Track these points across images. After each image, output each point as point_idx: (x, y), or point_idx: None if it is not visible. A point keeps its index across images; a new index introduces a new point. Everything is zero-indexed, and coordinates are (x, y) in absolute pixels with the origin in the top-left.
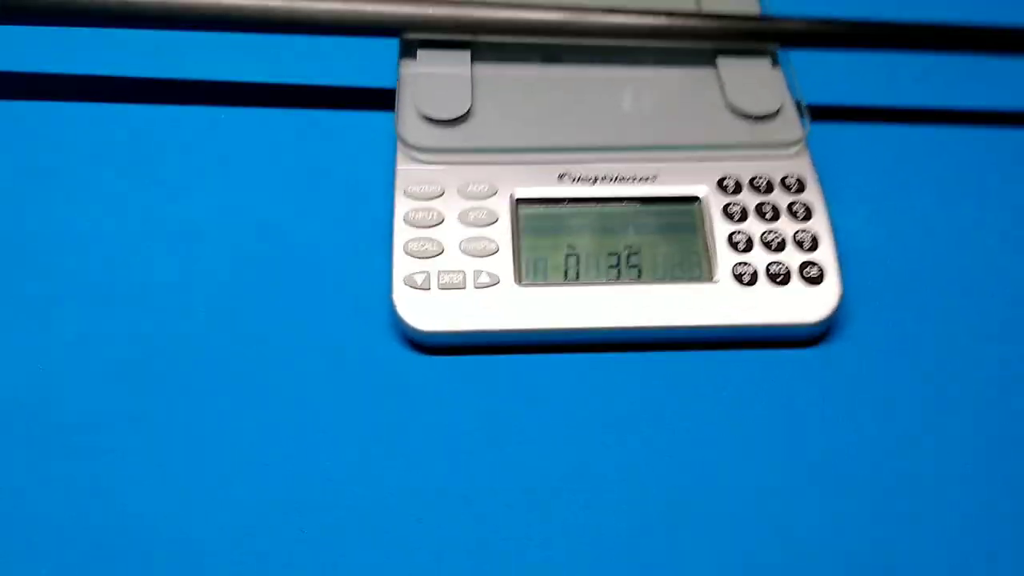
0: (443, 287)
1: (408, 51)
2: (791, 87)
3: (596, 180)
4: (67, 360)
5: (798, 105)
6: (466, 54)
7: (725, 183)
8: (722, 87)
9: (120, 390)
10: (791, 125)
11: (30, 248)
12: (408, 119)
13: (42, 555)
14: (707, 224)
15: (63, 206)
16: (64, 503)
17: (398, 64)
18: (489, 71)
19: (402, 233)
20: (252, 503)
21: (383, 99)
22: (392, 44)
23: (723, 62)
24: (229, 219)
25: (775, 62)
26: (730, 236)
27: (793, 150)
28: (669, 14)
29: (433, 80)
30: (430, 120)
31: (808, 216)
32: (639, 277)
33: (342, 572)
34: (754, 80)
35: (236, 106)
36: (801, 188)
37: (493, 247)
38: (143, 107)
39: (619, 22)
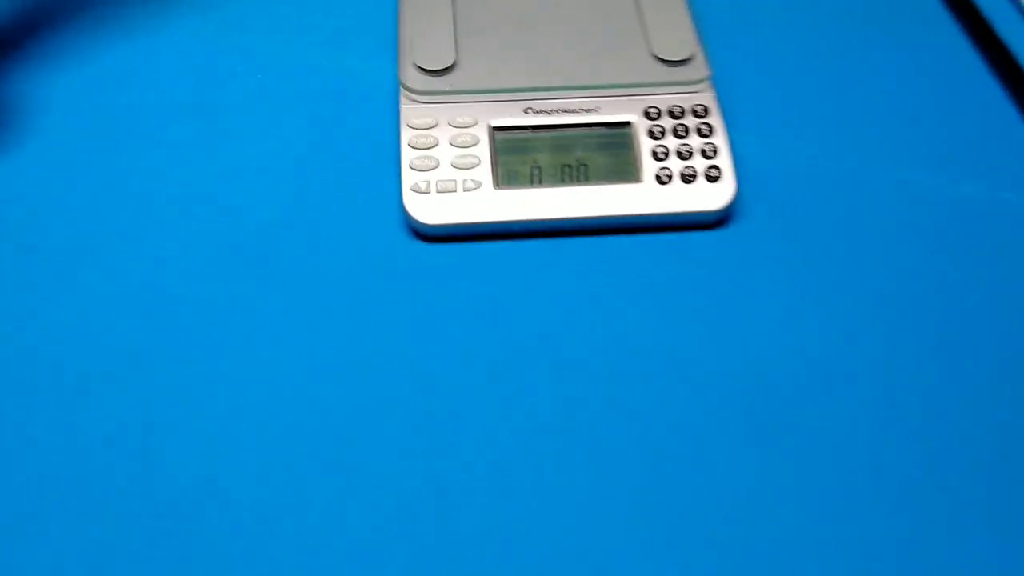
0: (440, 191)
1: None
2: (700, 38)
3: (552, 112)
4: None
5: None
6: (450, 21)
7: (649, 111)
8: (648, 39)
9: (200, 269)
10: (699, 67)
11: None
12: (408, 69)
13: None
14: (636, 141)
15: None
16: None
17: (398, 24)
18: (469, 29)
19: (408, 154)
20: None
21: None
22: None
23: (650, 21)
24: (276, 149)
25: (691, 18)
26: (653, 150)
27: (700, 86)
28: None
29: (426, 39)
30: (424, 70)
31: (710, 134)
32: (586, 180)
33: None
34: (672, 33)
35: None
36: (706, 113)
37: (476, 162)
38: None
39: None
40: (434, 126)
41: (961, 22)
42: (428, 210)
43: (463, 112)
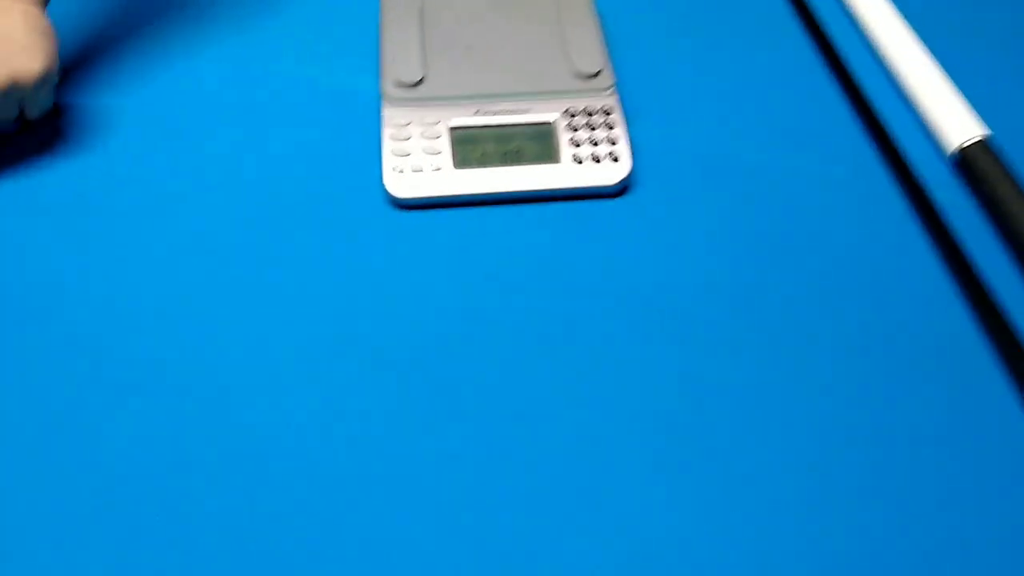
0: (412, 172)
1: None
2: (609, 55)
3: (496, 113)
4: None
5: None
6: (419, 46)
7: (568, 111)
8: (568, 58)
9: (193, 240)
10: (606, 78)
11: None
12: (388, 84)
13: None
14: (557, 134)
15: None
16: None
17: (379, 49)
18: (433, 52)
19: (388, 145)
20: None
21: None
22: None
23: (570, 44)
24: (290, 143)
25: (602, 40)
26: (570, 139)
27: (607, 92)
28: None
29: (401, 60)
30: (400, 84)
31: (613, 127)
32: (521, 162)
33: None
34: (587, 53)
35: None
36: (610, 112)
37: (439, 150)
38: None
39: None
40: (408, 124)
41: (807, 32)
42: (404, 186)
43: (429, 114)
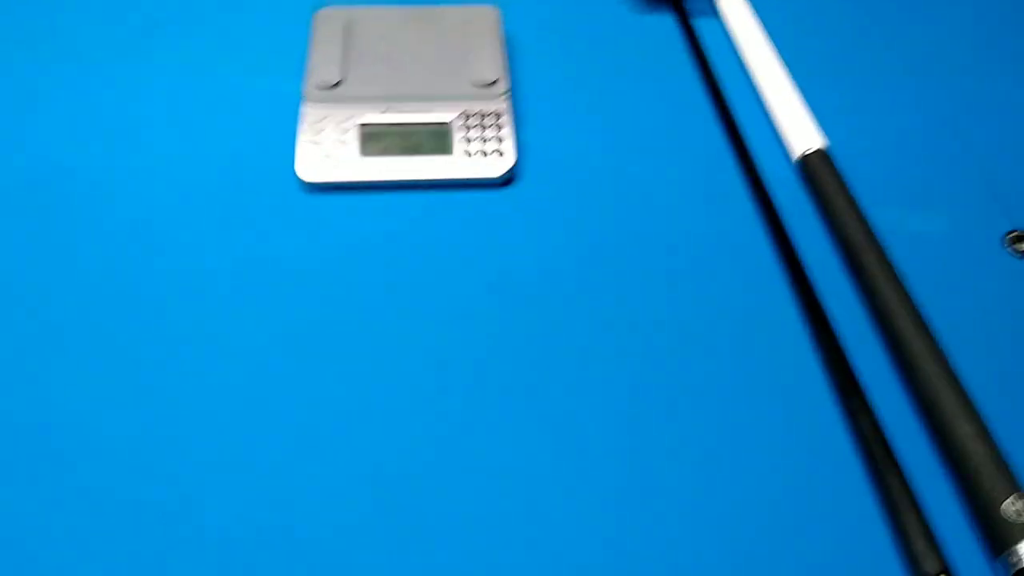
0: (322, 158)
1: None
2: (506, 65)
3: (401, 112)
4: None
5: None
6: (339, 55)
7: (463, 113)
8: (469, 67)
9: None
10: (500, 86)
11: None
12: (309, 84)
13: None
14: (452, 131)
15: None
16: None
17: (307, 56)
18: (351, 60)
19: (304, 135)
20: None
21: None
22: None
23: (472, 56)
24: (214, 135)
25: (501, 55)
26: (463, 137)
27: (500, 98)
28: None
29: (322, 65)
30: (320, 85)
31: (500, 128)
32: (418, 154)
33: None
34: (485, 64)
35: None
36: (500, 115)
37: (349, 141)
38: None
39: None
40: (324, 119)
41: (688, 54)
42: (312, 171)
43: (343, 112)
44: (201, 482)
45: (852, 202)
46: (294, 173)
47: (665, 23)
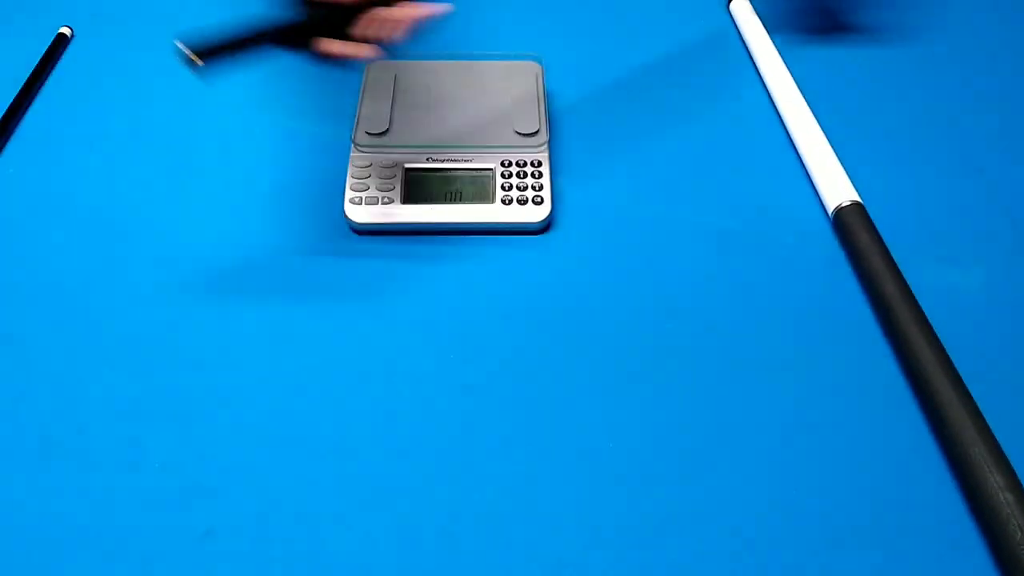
0: (367, 203)
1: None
2: (548, 116)
3: (444, 160)
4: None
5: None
6: (389, 104)
7: (505, 162)
8: (511, 118)
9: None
10: (541, 136)
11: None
12: (359, 132)
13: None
14: (494, 180)
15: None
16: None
17: (358, 105)
18: (400, 109)
19: (351, 181)
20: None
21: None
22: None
23: (514, 107)
24: (271, 177)
25: (542, 108)
26: (503, 184)
27: (540, 148)
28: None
29: (371, 114)
30: (368, 133)
31: (540, 176)
32: (460, 201)
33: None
34: (526, 115)
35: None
36: (540, 164)
37: (393, 187)
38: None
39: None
40: (369, 165)
41: (726, 110)
42: (360, 214)
43: (389, 159)
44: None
45: (887, 255)
46: (343, 215)
47: (698, 80)
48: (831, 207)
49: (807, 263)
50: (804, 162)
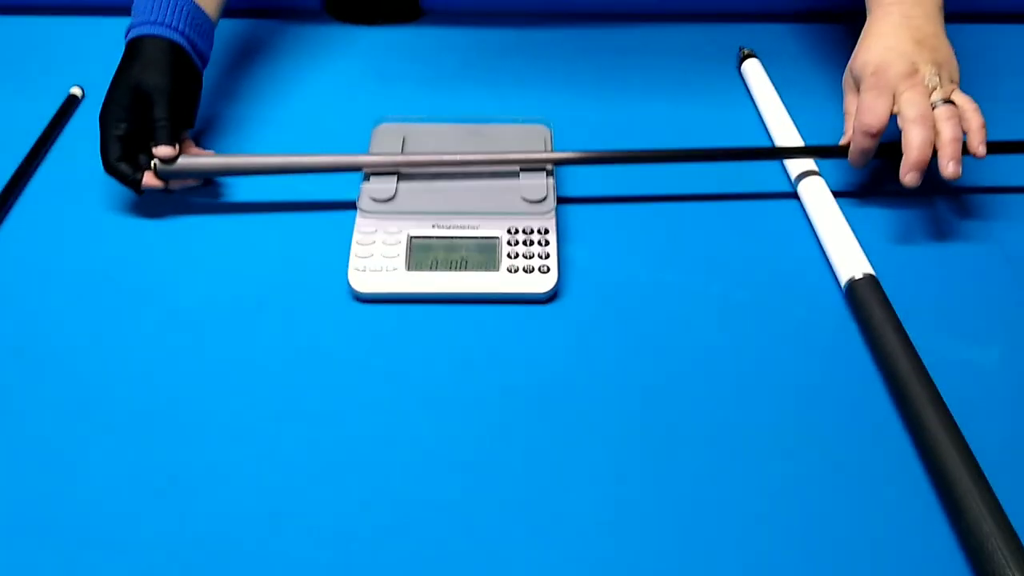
0: (371, 271)
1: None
2: (556, 185)
3: (449, 227)
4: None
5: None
6: (395, 171)
7: (511, 229)
8: (518, 185)
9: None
10: (548, 204)
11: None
12: (363, 196)
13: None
14: (500, 247)
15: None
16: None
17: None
18: (406, 176)
19: (356, 248)
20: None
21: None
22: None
23: (523, 175)
24: (280, 248)
25: (549, 174)
26: (508, 252)
27: (547, 215)
28: (499, 161)
29: (378, 180)
30: (374, 199)
31: (546, 244)
32: (466, 269)
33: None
34: (534, 184)
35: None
36: (546, 232)
37: (397, 253)
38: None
39: (475, 159)
40: (374, 231)
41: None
42: (363, 282)
43: (393, 225)
44: None
45: (901, 330)
46: (347, 283)
47: (709, 144)
48: (844, 279)
49: (818, 336)
50: (817, 232)
